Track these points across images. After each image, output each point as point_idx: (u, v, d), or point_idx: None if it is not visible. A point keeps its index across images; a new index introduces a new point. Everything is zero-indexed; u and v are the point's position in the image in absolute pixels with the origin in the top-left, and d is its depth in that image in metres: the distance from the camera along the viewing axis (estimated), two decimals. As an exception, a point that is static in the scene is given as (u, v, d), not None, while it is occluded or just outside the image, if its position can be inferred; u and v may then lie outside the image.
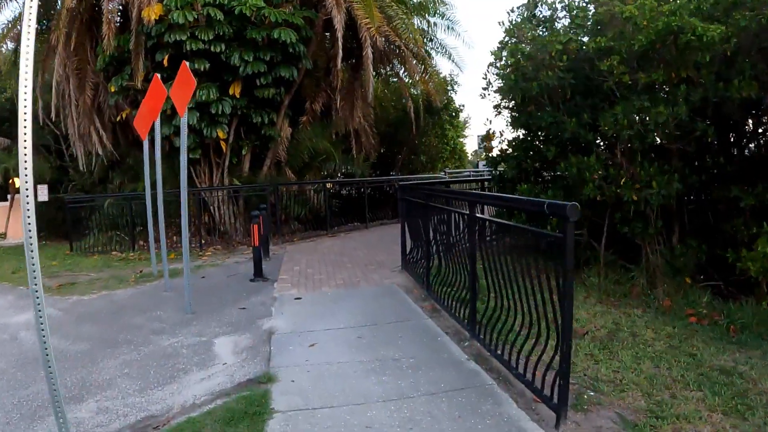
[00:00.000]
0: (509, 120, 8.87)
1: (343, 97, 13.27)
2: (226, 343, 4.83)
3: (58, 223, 13.92)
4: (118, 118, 12.14)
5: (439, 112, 17.83)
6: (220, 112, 10.50)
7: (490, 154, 9.43)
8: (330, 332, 4.94)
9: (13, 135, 16.27)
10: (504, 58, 8.80)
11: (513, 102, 8.08)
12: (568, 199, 7.28)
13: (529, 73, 7.44)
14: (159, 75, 7.23)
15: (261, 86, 10.66)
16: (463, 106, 19.77)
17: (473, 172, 21.62)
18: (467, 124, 21.98)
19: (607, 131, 6.80)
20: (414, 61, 13.14)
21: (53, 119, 12.91)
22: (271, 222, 11.37)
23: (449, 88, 18.03)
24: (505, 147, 9.14)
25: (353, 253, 9.54)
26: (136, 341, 5.00)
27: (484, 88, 8.57)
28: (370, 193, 13.91)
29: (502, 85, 8.56)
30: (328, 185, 13.22)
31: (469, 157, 26.70)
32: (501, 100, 8.47)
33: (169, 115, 10.08)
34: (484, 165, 30.74)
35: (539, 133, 8.22)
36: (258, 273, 7.47)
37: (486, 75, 8.70)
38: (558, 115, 7.30)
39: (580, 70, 7.27)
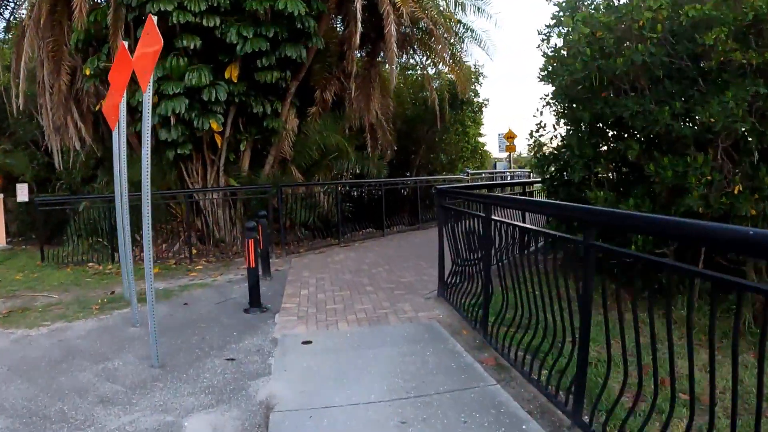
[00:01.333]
0: (563, 110, 7.33)
1: (358, 86, 11.76)
2: (200, 429, 3.29)
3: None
4: (98, 107, 10.65)
5: (461, 106, 16.27)
6: (213, 99, 9.00)
7: (538, 154, 7.86)
8: (357, 411, 3.38)
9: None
10: (562, 35, 7.27)
11: (580, 87, 6.48)
12: (660, 211, 5.74)
13: (609, 47, 5.88)
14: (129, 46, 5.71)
15: (263, 69, 9.16)
16: (488, 100, 18.08)
17: (496, 173, 20.01)
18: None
19: (714, 124, 5.26)
20: (440, 46, 11.56)
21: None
22: (274, 230, 9.85)
23: (474, 79, 16.42)
24: (558, 144, 7.65)
25: (373, 270, 7.99)
26: (73, 419, 3.46)
27: (543, 71, 7.06)
28: (387, 196, 12.36)
29: (555, 67, 7.03)
30: (340, 187, 11.66)
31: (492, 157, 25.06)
32: (560, 83, 6.89)
33: (154, 103, 8.56)
34: (504, 166, 29.21)
35: (612, 127, 6.68)
36: (255, 301, 5.92)
37: (545, 53, 7.17)
38: (645, 103, 5.74)
39: (671, 46, 5.71)
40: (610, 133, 6.82)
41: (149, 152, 4.13)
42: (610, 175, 7.03)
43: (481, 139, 20.61)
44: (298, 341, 4.77)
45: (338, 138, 10.97)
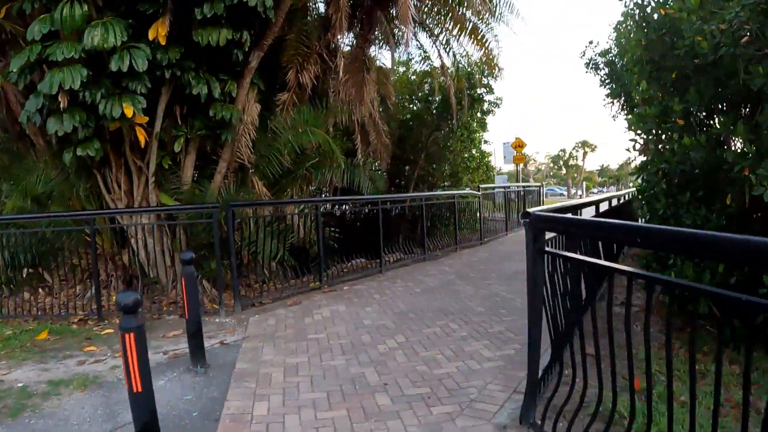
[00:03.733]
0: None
1: (347, 68, 8.86)
2: None
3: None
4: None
5: (473, 105, 13.49)
6: (128, 71, 6.02)
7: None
8: None
9: None
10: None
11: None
12: None
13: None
14: None
15: (205, 23, 6.25)
16: (501, 99, 15.24)
17: (503, 187, 17.19)
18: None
19: None
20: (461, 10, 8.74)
21: None
22: (224, 267, 6.86)
23: (488, 71, 13.62)
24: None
25: (380, 346, 5.01)
26: None
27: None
28: (385, 217, 9.41)
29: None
30: (322, 206, 8.69)
31: (497, 169, 22.33)
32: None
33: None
34: (504, 179, 26.51)
35: None
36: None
37: None
38: None
39: None
40: None
41: None
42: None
43: (485, 148, 17.84)
44: None
45: (321, 136, 8.01)
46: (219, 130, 7.41)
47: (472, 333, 5.25)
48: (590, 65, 9.91)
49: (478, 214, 13.22)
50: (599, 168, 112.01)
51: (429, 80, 14.09)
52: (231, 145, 7.80)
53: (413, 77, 15.31)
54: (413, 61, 14.11)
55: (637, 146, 5.40)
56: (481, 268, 9.24)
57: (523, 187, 17.07)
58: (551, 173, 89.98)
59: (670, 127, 4.82)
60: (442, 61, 10.03)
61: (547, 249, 2.98)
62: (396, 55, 10.69)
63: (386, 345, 5.00)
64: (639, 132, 4.96)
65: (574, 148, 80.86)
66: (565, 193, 68.92)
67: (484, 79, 13.31)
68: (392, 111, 13.13)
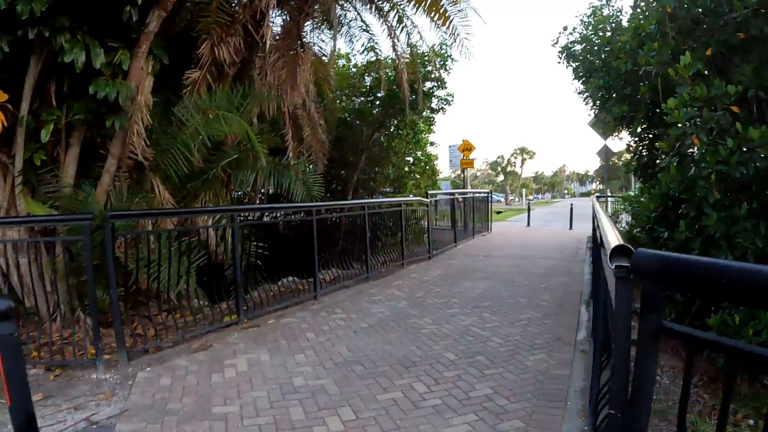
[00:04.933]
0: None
1: (277, 45, 7.32)
2: None
3: None
4: None
5: (422, 100, 12.18)
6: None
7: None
8: None
9: None
10: None
11: None
12: None
13: None
14: None
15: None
16: (452, 96, 13.96)
17: (452, 194, 15.99)
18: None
19: None
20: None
21: None
22: (103, 299, 5.20)
23: (441, 63, 12.33)
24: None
25: (321, 430, 3.54)
26: None
27: None
28: (322, 230, 7.86)
29: None
30: (242, 215, 7.10)
31: (442, 174, 21.22)
32: None
33: None
34: (447, 186, 25.46)
35: None
36: None
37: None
38: None
39: None
40: None
41: None
42: None
43: (431, 150, 16.58)
44: None
45: (237, 124, 6.38)
46: (105, 115, 5.73)
47: (447, 400, 3.86)
48: (564, 54, 8.78)
49: (426, 224, 11.91)
50: (534, 175, 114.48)
51: (374, 72, 12.70)
52: (122, 136, 6.12)
53: (354, 70, 13.90)
54: (355, 51, 12.70)
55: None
56: (437, 290, 7.90)
57: (473, 194, 15.92)
58: (487, 179, 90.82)
59: (720, 116, 3.60)
60: (393, 42, 8.62)
61: (673, 327, 1.55)
62: (338, 38, 9.14)
63: (327, 428, 3.51)
64: (681, 122, 3.70)
65: (512, 155, 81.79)
66: (503, 200, 69.26)
67: (435, 71, 12.02)
68: (330, 104, 11.68)
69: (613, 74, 7.46)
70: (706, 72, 3.95)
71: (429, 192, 12.83)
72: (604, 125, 13.55)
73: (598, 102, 7.71)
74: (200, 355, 5.03)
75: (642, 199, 6.18)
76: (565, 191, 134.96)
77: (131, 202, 6.28)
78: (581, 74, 8.50)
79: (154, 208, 6.40)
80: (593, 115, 13.48)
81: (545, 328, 5.77)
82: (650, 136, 6.26)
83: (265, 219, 7.38)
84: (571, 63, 8.68)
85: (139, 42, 5.80)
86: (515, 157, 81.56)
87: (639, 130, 6.38)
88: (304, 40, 7.96)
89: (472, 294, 7.57)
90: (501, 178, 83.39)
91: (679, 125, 3.62)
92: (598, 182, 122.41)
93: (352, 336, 5.55)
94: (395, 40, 8.44)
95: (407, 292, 7.84)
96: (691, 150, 3.75)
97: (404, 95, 8.73)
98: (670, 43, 4.70)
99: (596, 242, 5.25)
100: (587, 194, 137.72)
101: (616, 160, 19.93)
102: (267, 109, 7.79)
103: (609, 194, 19.64)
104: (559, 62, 9.01)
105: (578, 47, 8.51)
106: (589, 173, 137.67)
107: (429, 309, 6.71)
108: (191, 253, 6.26)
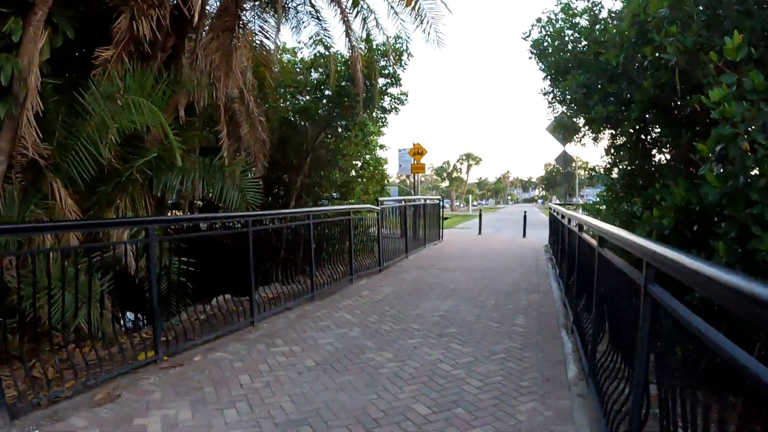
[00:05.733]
0: None
1: (211, 27, 6.31)
2: None
3: None
4: None
5: (377, 96, 11.31)
6: None
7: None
8: None
9: None
10: None
11: None
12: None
13: None
14: None
15: None
16: (406, 95, 13.11)
17: (404, 200, 15.19)
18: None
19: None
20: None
21: None
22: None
23: (396, 58, 11.50)
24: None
25: None
26: None
27: None
28: (258, 242, 6.83)
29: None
30: (163, 228, 6.03)
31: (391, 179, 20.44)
32: None
33: None
34: (395, 192, 24.72)
35: None
36: None
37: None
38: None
39: None
40: None
41: None
42: None
43: (381, 154, 15.76)
44: None
45: (156, 115, 5.28)
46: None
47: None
48: (536, 49, 8.04)
49: (377, 234, 11.02)
50: (477, 180, 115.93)
51: (321, 68, 11.76)
52: (12, 126, 4.98)
53: (300, 66, 12.88)
54: (302, 43, 11.76)
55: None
56: (393, 313, 7.03)
57: (424, 200, 15.15)
58: (431, 185, 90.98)
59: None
60: (347, 28, 7.66)
61: None
62: (284, 25, 8.16)
63: None
64: (734, 118, 2.93)
65: (458, 161, 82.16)
66: (448, 205, 69.33)
67: (389, 67, 11.18)
68: (273, 101, 10.67)
69: (594, 71, 6.80)
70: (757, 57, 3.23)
71: (379, 199, 11.96)
72: (565, 130, 13.02)
73: (574, 103, 7.02)
74: (104, 409, 3.96)
75: (636, 211, 5.48)
76: (509, 197, 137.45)
77: (25, 211, 5.15)
78: (552, 73, 7.82)
79: (53, 218, 5.28)
80: (553, 119, 12.93)
81: (528, 363, 4.97)
82: (648, 139, 5.56)
83: (191, 233, 6.24)
84: (543, 60, 7.98)
85: (34, 7, 4.69)
86: (461, 163, 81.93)
87: (631, 131, 5.68)
88: (243, 20, 6.95)
89: (433, 317, 6.74)
90: (446, 183, 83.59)
91: (727, 125, 2.87)
92: (541, 188, 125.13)
93: (296, 379, 4.58)
94: (349, 28, 7.49)
95: (359, 315, 6.93)
96: (736, 154, 2.99)
97: (358, 87, 7.85)
98: (693, 28, 4.00)
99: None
100: (531, 200, 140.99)
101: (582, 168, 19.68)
102: (198, 100, 6.72)
103: (556, 201, 19.32)
104: (530, 57, 8.31)
105: (548, 40, 7.82)
106: (532, 180, 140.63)
107: (386, 339, 5.82)
108: (106, 273, 5.17)
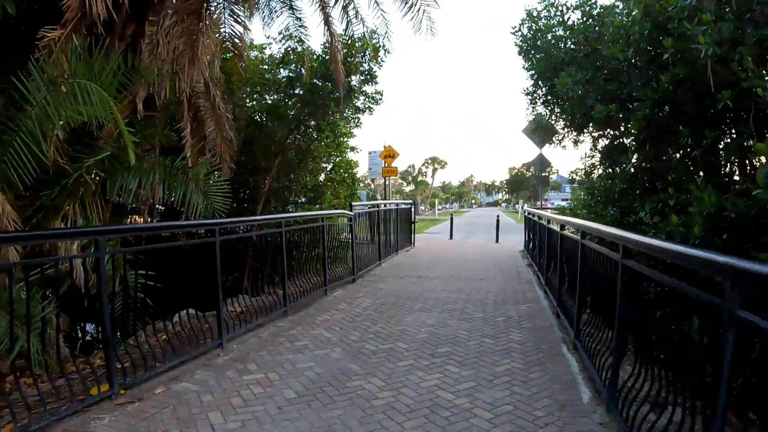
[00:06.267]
0: None
1: (174, 9, 5.65)
2: None
3: None
4: None
5: (347, 96, 10.72)
6: None
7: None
8: None
9: None
10: None
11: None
12: None
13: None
14: None
15: None
16: (381, 95, 12.56)
17: (377, 205, 14.61)
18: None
19: None
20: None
21: None
22: None
23: (372, 54, 10.93)
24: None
25: None
26: None
27: None
28: (225, 250, 6.16)
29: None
30: (111, 238, 5.32)
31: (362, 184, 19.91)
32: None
33: None
34: (364, 195, 24.12)
35: None
36: None
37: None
38: None
39: None
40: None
41: None
42: None
43: (351, 156, 15.13)
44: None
45: (105, 103, 4.57)
46: None
47: None
48: (525, 46, 7.58)
49: (351, 241, 10.41)
50: (441, 184, 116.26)
51: (293, 65, 11.11)
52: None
53: (269, 64, 12.19)
54: (271, 37, 11.11)
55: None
56: (376, 329, 6.46)
57: (396, 205, 14.62)
58: (395, 189, 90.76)
59: None
60: (325, 14, 7.05)
61: None
62: (255, 14, 7.52)
63: None
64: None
65: (423, 164, 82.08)
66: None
67: (365, 63, 10.61)
68: (240, 100, 9.98)
69: (590, 68, 6.36)
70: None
71: (352, 204, 11.36)
72: (544, 132, 12.65)
73: (569, 101, 6.57)
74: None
75: (644, 218, 5.04)
76: (473, 201, 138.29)
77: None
78: (537, 72, 7.37)
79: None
80: (531, 120, 12.57)
81: (536, 386, 4.46)
82: (660, 141, 5.11)
83: (150, 245, 5.51)
84: (529, 57, 7.52)
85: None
86: (426, 167, 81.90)
87: (636, 131, 5.24)
88: (212, 4, 6.31)
89: (421, 334, 6.19)
90: (411, 187, 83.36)
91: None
92: (504, 192, 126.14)
93: (276, 416, 3.95)
94: (328, 15, 6.88)
95: (338, 333, 6.33)
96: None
97: (339, 81, 7.25)
98: (729, 16, 3.56)
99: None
100: (494, 204, 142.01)
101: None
102: (159, 93, 6.03)
103: (525, 205, 19.06)
104: (520, 53, 7.84)
105: (537, 35, 7.36)
106: (495, 183, 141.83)
107: (373, 361, 5.24)
108: (59, 287, 4.44)
